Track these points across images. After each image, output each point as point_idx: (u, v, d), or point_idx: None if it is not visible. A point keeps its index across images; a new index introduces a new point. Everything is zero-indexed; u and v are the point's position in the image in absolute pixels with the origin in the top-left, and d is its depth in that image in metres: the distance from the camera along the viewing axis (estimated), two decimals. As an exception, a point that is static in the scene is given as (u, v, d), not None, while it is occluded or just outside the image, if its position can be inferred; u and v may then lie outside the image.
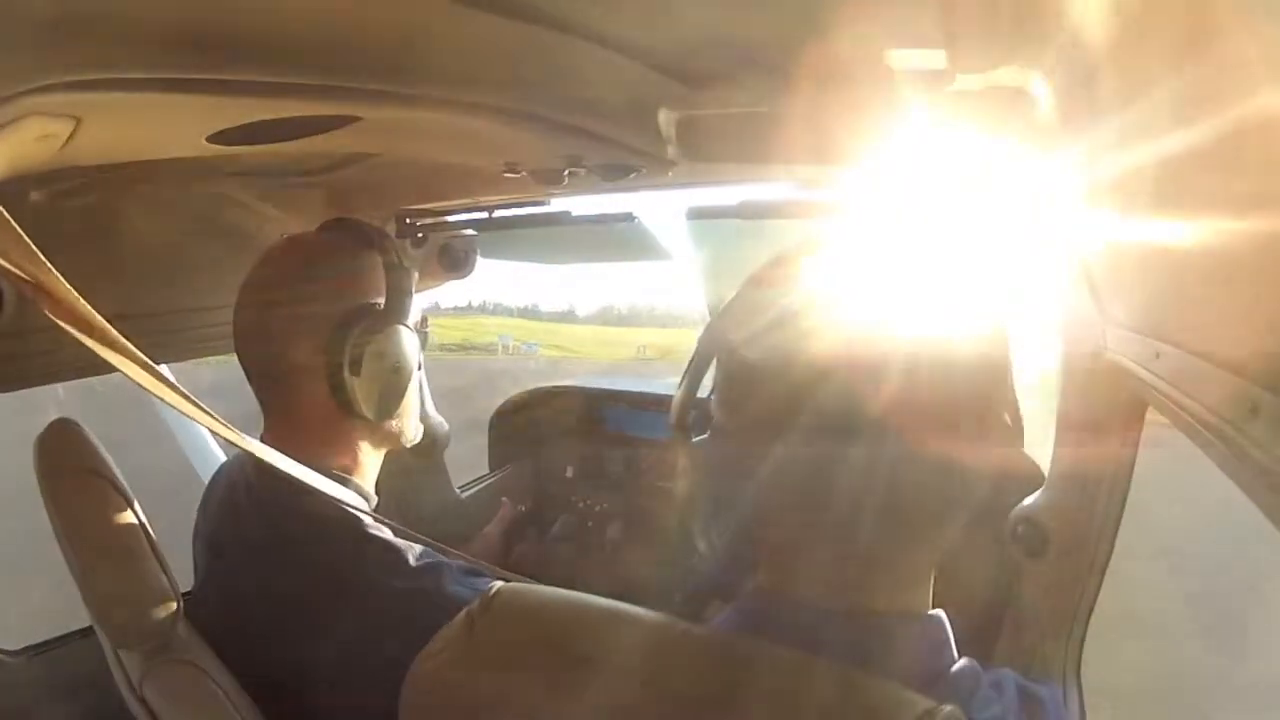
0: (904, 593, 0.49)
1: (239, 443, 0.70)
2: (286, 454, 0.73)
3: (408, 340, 0.81)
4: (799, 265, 0.51)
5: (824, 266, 0.51)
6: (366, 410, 0.79)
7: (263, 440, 0.82)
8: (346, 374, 0.77)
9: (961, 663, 0.49)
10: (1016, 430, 0.50)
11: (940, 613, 0.51)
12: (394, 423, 0.85)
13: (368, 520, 0.76)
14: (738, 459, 0.48)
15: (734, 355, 0.49)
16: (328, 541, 0.75)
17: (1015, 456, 0.50)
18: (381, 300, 0.81)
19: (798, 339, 0.46)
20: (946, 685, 0.47)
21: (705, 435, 0.53)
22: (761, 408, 0.46)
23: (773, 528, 0.49)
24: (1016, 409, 0.51)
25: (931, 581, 0.52)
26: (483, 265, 1.39)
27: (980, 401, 0.47)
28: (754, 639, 0.44)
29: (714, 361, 0.52)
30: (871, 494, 0.44)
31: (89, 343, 0.63)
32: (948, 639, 0.50)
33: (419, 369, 0.85)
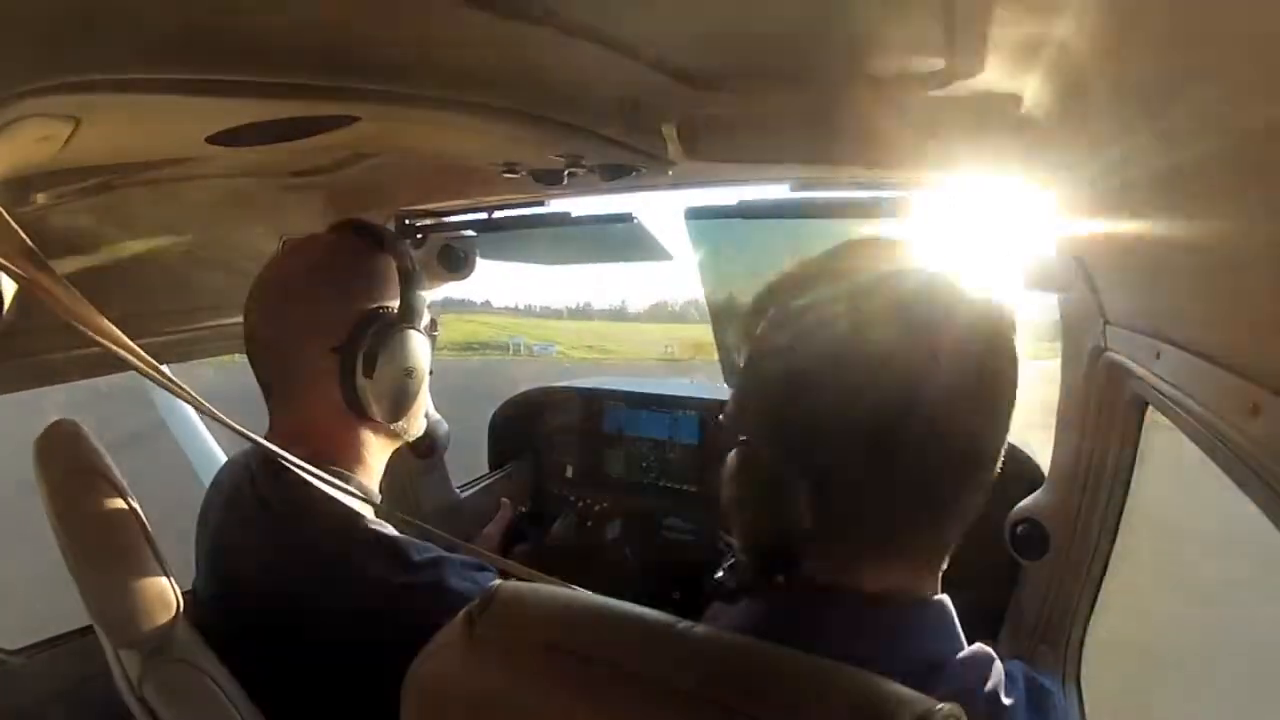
0: (923, 577, 0.51)
1: (246, 437, 0.70)
2: (292, 453, 0.73)
3: (421, 344, 0.81)
4: (827, 266, 0.53)
5: (849, 266, 0.52)
6: (377, 412, 0.79)
7: (268, 437, 0.82)
8: (360, 377, 0.77)
9: (973, 648, 0.50)
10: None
11: (946, 598, 0.52)
12: (401, 423, 0.85)
13: (370, 517, 0.77)
14: (783, 459, 0.49)
15: (778, 358, 0.51)
16: (331, 539, 0.75)
17: (1014, 450, 0.51)
18: (394, 303, 0.81)
19: (839, 340, 0.48)
20: (950, 671, 0.47)
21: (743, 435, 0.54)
22: (809, 409, 0.47)
23: (815, 522, 0.49)
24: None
25: (942, 569, 0.53)
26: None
27: (996, 392, 0.49)
28: (752, 638, 0.44)
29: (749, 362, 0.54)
30: (914, 484, 0.46)
31: (91, 343, 0.63)
32: (955, 624, 0.51)
33: (430, 372, 0.85)
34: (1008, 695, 0.48)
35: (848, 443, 0.46)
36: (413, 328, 0.80)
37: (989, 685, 0.47)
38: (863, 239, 0.56)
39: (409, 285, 0.81)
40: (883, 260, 0.52)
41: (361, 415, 0.79)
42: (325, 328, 0.77)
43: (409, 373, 0.80)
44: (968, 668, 0.48)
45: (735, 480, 0.54)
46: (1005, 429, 0.49)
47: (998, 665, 0.49)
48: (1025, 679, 0.51)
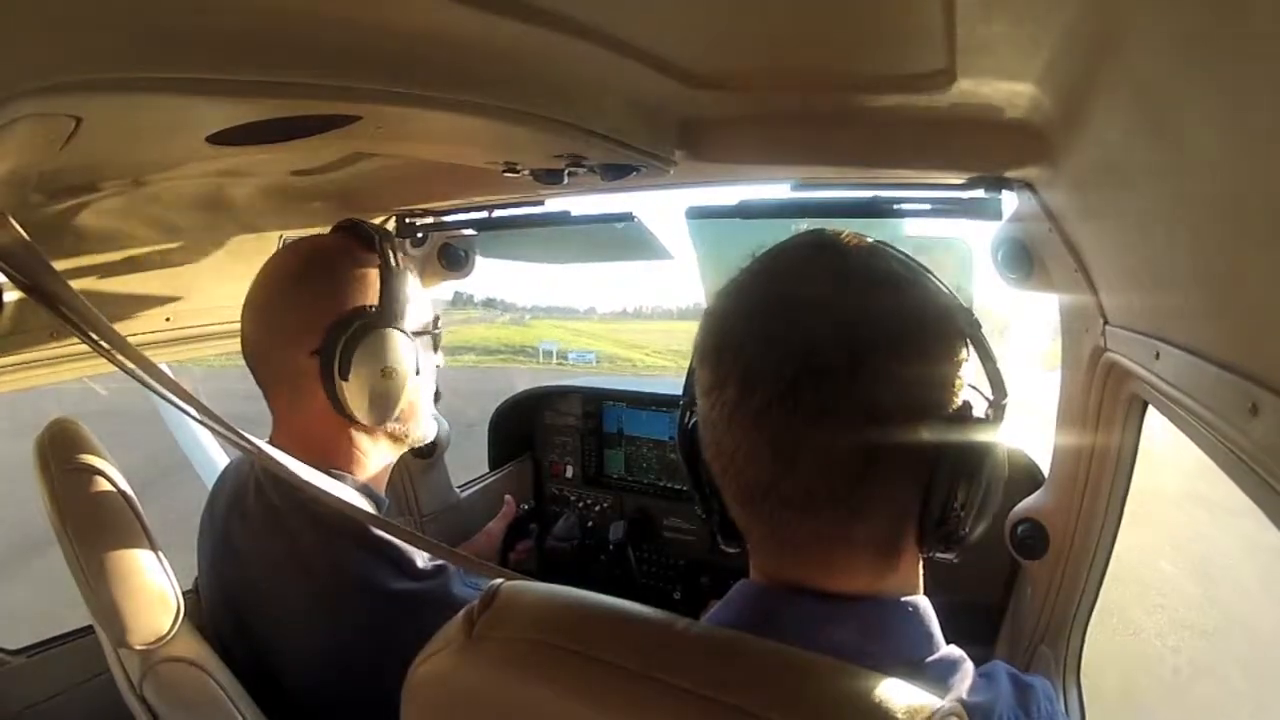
0: (886, 576, 0.50)
1: (240, 445, 0.70)
2: (293, 456, 0.73)
3: (400, 344, 0.78)
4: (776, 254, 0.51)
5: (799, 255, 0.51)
6: (358, 414, 0.77)
7: (271, 442, 0.82)
8: (336, 378, 0.75)
9: (944, 651, 0.49)
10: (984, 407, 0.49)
11: (922, 599, 0.51)
12: (398, 426, 0.83)
13: (375, 523, 0.76)
14: (712, 437, 0.49)
15: (710, 316, 0.50)
16: (335, 544, 0.74)
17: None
18: (377, 302, 0.78)
19: (762, 315, 0.47)
20: (924, 672, 0.47)
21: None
22: (735, 359, 0.47)
23: (744, 507, 0.50)
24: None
25: (919, 568, 0.52)
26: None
27: (939, 373, 0.47)
28: (753, 635, 0.44)
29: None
30: (843, 467, 0.44)
31: (90, 342, 0.63)
32: (930, 626, 0.50)
33: (417, 372, 0.81)
34: (975, 694, 0.48)
35: (763, 432, 0.45)
36: (391, 326, 0.78)
37: (957, 688, 0.47)
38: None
39: (388, 283, 0.78)
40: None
41: (349, 419, 0.78)
42: (305, 331, 0.76)
43: (386, 373, 0.77)
44: (939, 671, 0.48)
45: (680, 447, 0.55)
46: (948, 400, 0.47)
47: (967, 667, 0.49)
48: (1008, 676, 0.51)
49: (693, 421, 0.53)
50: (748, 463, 0.46)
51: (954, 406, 0.47)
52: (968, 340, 0.49)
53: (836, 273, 0.48)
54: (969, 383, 0.48)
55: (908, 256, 0.50)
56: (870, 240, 0.50)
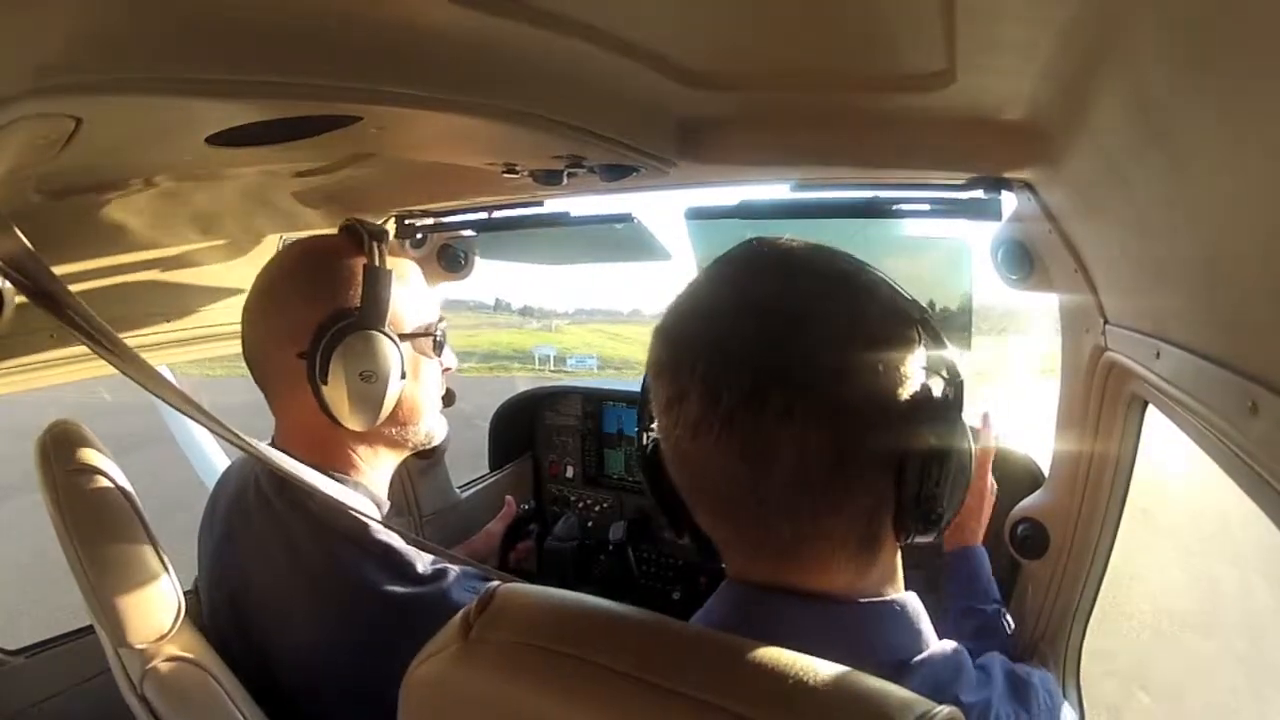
0: (867, 574, 0.50)
1: (240, 445, 0.70)
2: (292, 457, 0.73)
3: (381, 346, 0.76)
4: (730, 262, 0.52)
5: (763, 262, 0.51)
6: (341, 418, 0.76)
7: (273, 443, 0.82)
8: (318, 381, 0.74)
9: (938, 647, 0.49)
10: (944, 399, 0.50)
11: (910, 596, 0.51)
12: (395, 430, 0.82)
13: (375, 526, 0.75)
14: (676, 452, 0.50)
15: (659, 331, 0.51)
16: (334, 546, 0.74)
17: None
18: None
19: (712, 320, 0.48)
20: (915, 671, 0.47)
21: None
22: (671, 386, 0.47)
23: (719, 517, 0.50)
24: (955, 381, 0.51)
25: (898, 560, 0.52)
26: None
27: (888, 368, 0.47)
28: (750, 638, 0.44)
29: None
30: (817, 462, 0.45)
31: (89, 344, 0.63)
32: (919, 623, 0.50)
33: (403, 375, 0.79)
34: (971, 693, 0.48)
35: (719, 437, 0.45)
36: (371, 329, 0.76)
37: (949, 685, 0.47)
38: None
39: (371, 284, 0.76)
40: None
41: (336, 422, 0.77)
42: (293, 333, 0.75)
43: (365, 376, 0.75)
44: (931, 668, 0.48)
45: (644, 471, 0.55)
46: (907, 385, 0.47)
47: (961, 661, 0.49)
48: (1003, 672, 0.51)
49: (651, 443, 0.54)
50: (719, 471, 0.47)
51: (914, 391, 0.47)
52: (919, 326, 0.50)
53: (785, 275, 0.48)
54: (924, 366, 0.49)
55: (850, 255, 0.51)
56: (813, 243, 0.52)
